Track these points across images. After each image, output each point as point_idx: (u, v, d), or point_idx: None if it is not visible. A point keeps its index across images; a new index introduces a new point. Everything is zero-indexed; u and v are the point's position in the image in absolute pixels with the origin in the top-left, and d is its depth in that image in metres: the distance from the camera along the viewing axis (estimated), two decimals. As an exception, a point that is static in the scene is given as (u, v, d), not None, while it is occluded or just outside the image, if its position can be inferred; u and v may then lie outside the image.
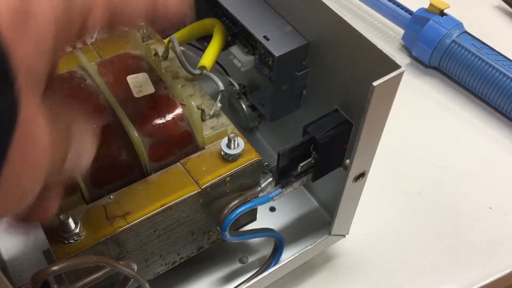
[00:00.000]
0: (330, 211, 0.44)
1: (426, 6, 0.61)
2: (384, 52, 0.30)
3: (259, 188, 0.37)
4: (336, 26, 0.34)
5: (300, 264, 0.43)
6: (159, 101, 0.36)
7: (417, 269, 0.45)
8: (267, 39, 0.37)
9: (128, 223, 0.33)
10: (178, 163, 0.36)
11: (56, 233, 0.32)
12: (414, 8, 0.62)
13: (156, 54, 0.40)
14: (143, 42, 0.42)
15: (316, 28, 0.36)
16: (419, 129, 0.57)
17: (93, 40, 0.46)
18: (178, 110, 0.36)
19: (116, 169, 0.34)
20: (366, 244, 0.47)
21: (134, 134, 0.34)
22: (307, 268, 0.45)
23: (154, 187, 0.35)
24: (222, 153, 0.36)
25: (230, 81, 0.44)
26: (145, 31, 0.42)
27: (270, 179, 0.37)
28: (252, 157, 0.36)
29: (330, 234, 0.41)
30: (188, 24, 0.45)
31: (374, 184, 0.43)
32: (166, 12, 0.27)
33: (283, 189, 0.37)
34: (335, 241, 0.43)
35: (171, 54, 0.42)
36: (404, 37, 0.64)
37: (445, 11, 0.60)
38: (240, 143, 0.36)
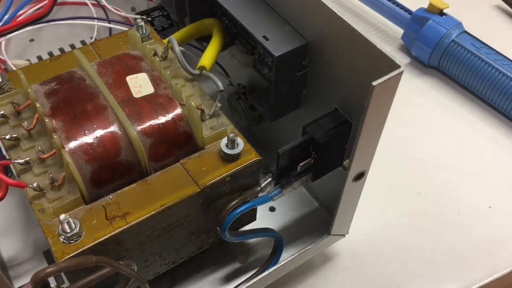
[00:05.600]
0: (330, 211, 0.44)
1: (425, 6, 0.61)
2: (384, 52, 0.30)
3: (259, 188, 0.37)
4: (335, 26, 0.34)
5: (300, 264, 0.43)
6: (159, 101, 0.36)
7: (417, 269, 0.45)
8: (267, 39, 0.37)
9: (128, 223, 0.33)
10: (178, 163, 0.36)
11: (56, 233, 0.32)
12: (413, 8, 0.62)
13: (155, 54, 0.40)
14: (143, 42, 0.42)
15: (316, 28, 0.36)
16: (419, 129, 0.57)
17: (92, 40, 0.46)
18: (178, 110, 0.36)
19: (116, 169, 0.34)
20: (366, 244, 0.47)
21: (134, 134, 0.34)
22: (307, 268, 0.45)
23: (154, 187, 0.35)
24: (222, 153, 0.36)
25: (229, 81, 0.44)
26: (144, 31, 0.42)
27: (270, 179, 0.37)
28: (252, 157, 0.36)
29: (329, 234, 0.41)
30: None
31: (373, 184, 0.43)
32: None
33: (283, 189, 0.37)
34: (335, 241, 0.43)
35: (170, 54, 0.42)
36: (403, 37, 0.64)
37: (444, 10, 0.60)
38: (239, 143, 0.36)
